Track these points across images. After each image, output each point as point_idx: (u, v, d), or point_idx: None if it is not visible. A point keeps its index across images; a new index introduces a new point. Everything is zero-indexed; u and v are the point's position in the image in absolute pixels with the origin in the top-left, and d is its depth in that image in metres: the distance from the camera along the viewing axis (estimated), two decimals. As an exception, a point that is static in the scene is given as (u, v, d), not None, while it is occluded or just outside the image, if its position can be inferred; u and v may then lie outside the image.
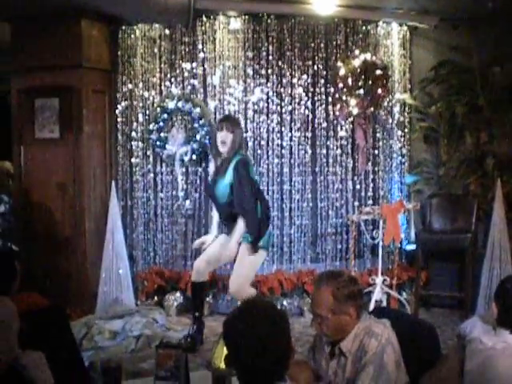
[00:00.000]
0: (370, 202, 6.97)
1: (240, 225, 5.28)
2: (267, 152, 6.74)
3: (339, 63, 6.72)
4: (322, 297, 2.96)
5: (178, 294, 6.64)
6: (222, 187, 5.38)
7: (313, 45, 6.78)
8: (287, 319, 2.45)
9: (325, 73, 6.81)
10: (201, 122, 6.63)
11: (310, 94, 6.79)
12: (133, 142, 6.88)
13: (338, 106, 6.75)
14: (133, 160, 6.90)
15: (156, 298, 6.71)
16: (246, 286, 5.45)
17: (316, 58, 6.79)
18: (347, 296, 2.94)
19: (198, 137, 6.64)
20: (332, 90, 6.78)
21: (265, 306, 2.47)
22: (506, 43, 6.67)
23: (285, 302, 6.54)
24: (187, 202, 6.81)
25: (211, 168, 5.78)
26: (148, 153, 6.88)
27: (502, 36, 6.67)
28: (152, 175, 6.88)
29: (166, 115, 6.71)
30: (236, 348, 2.34)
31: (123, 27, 6.82)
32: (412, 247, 6.97)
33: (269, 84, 6.74)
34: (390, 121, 7.07)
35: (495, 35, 6.67)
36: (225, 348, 2.42)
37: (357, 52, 6.75)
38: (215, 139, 5.48)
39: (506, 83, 6.79)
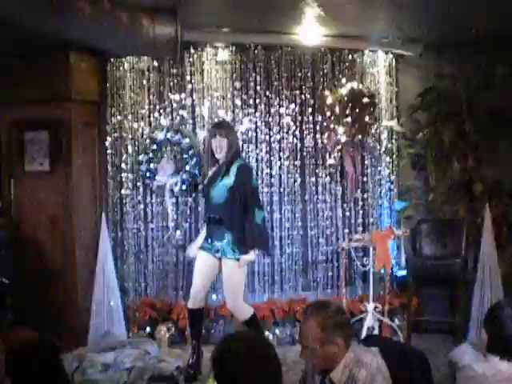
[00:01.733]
0: (360, 228, 7.00)
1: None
2: (256, 181, 6.75)
3: (326, 92, 6.79)
4: (309, 328, 2.98)
5: (169, 325, 6.59)
6: (221, 188, 5.44)
7: (300, 74, 6.85)
8: (272, 348, 2.46)
9: (312, 102, 6.87)
10: (190, 152, 6.66)
11: (298, 123, 6.85)
12: (123, 174, 6.89)
13: (326, 135, 6.80)
14: (123, 191, 6.91)
15: (148, 329, 6.68)
16: (243, 301, 5.63)
17: (303, 87, 6.85)
18: (334, 326, 2.96)
19: (187, 167, 6.67)
20: (320, 118, 6.84)
21: (248, 337, 2.49)
22: (490, 68, 6.74)
23: (277, 331, 6.53)
24: (178, 232, 6.81)
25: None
26: (138, 184, 6.89)
27: (487, 61, 6.76)
28: (142, 206, 6.89)
29: (155, 146, 6.74)
30: (224, 381, 2.35)
31: (112, 60, 6.86)
32: (403, 273, 6.98)
33: (257, 114, 6.80)
34: (378, 148, 7.13)
35: (480, 61, 6.76)
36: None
37: (343, 81, 6.83)
38: (210, 148, 5.51)
39: (491, 108, 6.86)
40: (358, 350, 3.04)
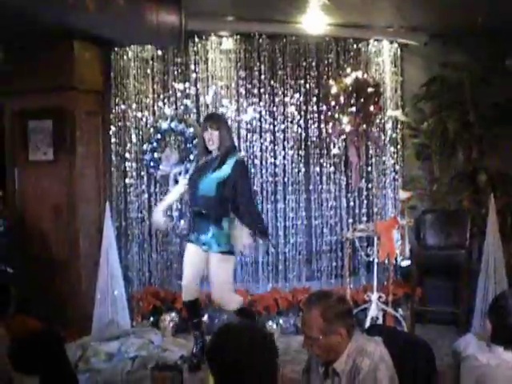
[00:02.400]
0: (365, 218, 6.99)
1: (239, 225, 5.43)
2: (261, 171, 6.77)
3: (331, 82, 6.76)
4: (311, 318, 2.97)
5: (173, 314, 6.60)
6: (212, 180, 5.40)
7: (304, 64, 6.83)
8: (266, 335, 2.45)
9: (317, 91, 6.86)
10: (194, 142, 6.65)
11: (302, 113, 6.84)
12: (126, 163, 6.90)
13: (331, 124, 6.78)
14: (127, 181, 6.91)
15: (152, 318, 6.68)
16: (231, 292, 5.64)
17: (308, 76, 6.84)
18: (337, 316, 2.95)
19: (191, 157, 6.66)
20: (324, 108, 6.82)
21: (242, 327, 2.49)
22: (496, 59, 6.71)
23: (281, 321, 6.52)
24: (182, 221, 6.82)
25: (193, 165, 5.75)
26: (142, 173, 6.90)
27: (492, 51, 6.72)
28: (146, 196, 6.89)
29: (159, 136, 6.74)
30: (221, 374, 2.34)
31: (116, 49, 6.86)
32: (407, 263, 6.97)
33: (261, 103, 6.78)
34: (383, 138, 7.10)
35: (485, 51, 6.72)
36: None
37: (348, 70, 6.79)
38: (202, 140, 5.50)
39: (496, 99, 6.83)
40: (361, 340, 3.04)
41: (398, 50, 7.20)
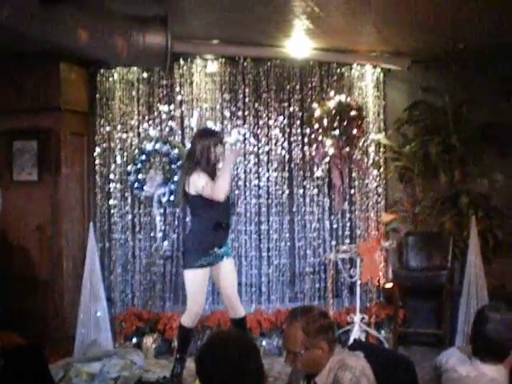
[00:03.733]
0: (348, 241, 7.03)
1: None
2: (245, 192, 6.82)
3: (314, 105, 6.84)
4: (293, 332, 2.99)
5: (156, 335, 6.59)
6: (230, 194, 5.59)
7: (288, 87, 6.91)
8: (256, 346, 2.49)
9: (300, 114, 6.94)
10: (178, 163, 6.67)
11: (286, 135, 6.90)
12: (111, 184, 6.92)
13: (314, 147, 6.85)
14: (111, 202, 6.93)
15: (134, 339, 6.66)
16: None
17: (292, 99, 6.91)
18: (318, 330, 2.97)
19: (175, 178, 6.68)
20: (308, 130, 6.90)
21: (233, 335, 2.52)
22: (476, 83, 6.82)
23: (264, 342, 6.52)
24: (165, 243, 6.82)
25: (204, 179, 5.38)
26: (126, 194, 6.92)
27: (473, 76, 6.84)
28: (130, 216, 6.91)
29: (144, 157, 6.77)
30: (209, 380, 2.36)
31: (101, 70, 6.92)
32: (390, 285, 7.01)
33: (246, 125, 6.85)
34: (366, 161, 7.17)
35: (466, 75, 6.84)
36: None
37: (332, 94, 6.88)
38: (209, 154, 5.39)
39: (477, 122, 6.93)
40: (342, 354, 3.06)
41: (381, 74, 7.31)
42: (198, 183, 5.34)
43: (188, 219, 6.72)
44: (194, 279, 5.48)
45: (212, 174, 5.41)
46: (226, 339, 2.46)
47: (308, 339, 2.96)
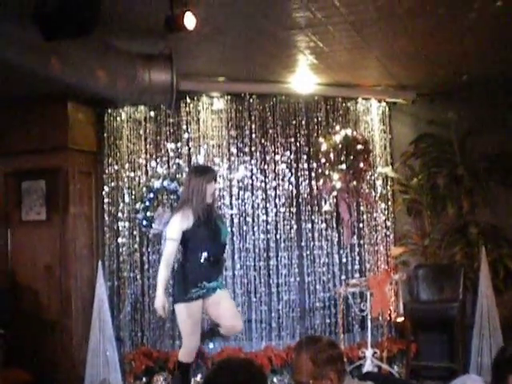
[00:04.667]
0: (357, 275, 6.99)
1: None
2: (253, 228, 6.82)
3: (321, 139, 6.88)
4: (301, 363, 2.95)
5: (166, 374, 6.54)
6: (225, 229, 5.64)
7: (294, 122, 6.95)
8: (264, 373, 2.47)
9: (307, 149, 6.96)
10: (187, 200, 6.70)
11: (293, 170, 6.93)
12: (119, 222, 6.94)
13: (322, 181, 6.87)
14: (119, 240, 6.94)
15: (144, 379, 6.61)
16: None
17: (298, 134, 6.95)
18: (327, 360, 2.93)
19: (184, 215, 6.69)
20: (315, 165, 6.93)
21: (242, 362, 2.50)
22: (481, 114, 6.84)
23: (275, 379, 6.45)
24: (174, 280, 6.79)
25: (181, 226, 5.30)
26: (134, 232, 6.93)
27: (478, 107, 6.86)
28: (138, 255, 6.91)
29: (151, 195, 6.80)
30: None
31: (109, 110, 7.00)
32: (401, 319, 6.94)
33: (252, 161, 6.88)
34: (373, 194, 7.16)
35: (471, 107, 6.86)
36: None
37: (337, 128, 6.92)
38: (203, 192, 5.32)
39: (483, 153, 6.94)
40: (352, 384, 3.02)
41: (387, 108, 7.33)
42: (173, 226, 5.35)
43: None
44: (186, 313, 5.38)
45: (205, 212, 5.33)
46: (234, 365, 2.44)
47: (316, 369, 2.91)
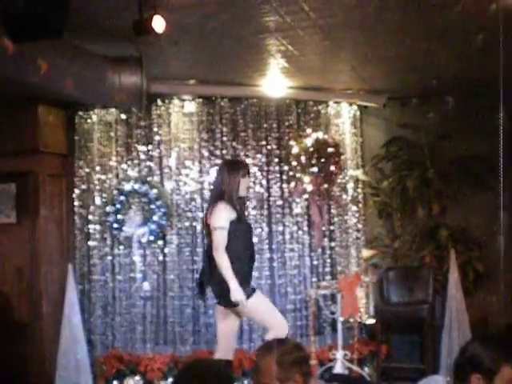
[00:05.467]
0: (329, 277, 7.02)
1: None
2: (224, 231, 6.80)
3: (292, 142, 6.90)
4: (266, 365, 2.95)
5: (137, 377, 6.53)
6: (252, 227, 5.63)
7: (266, 125, 6.96)
8: (232, 375, 2.49)
9: (278, 152, 6.98)
10: (157, 203, 6.70)
11: (264, 173, 6.94)
12: (90, 225, 6.91)
13: (293, 184, 6.89)
14: (90, 243, 6.91)
15: (115, 382, 6.58)
16: None
17: (269, 137, 6.97)
18: (292, 363, 2.94)
19: (155, 218, 6.70)
20: (286, 168, 6.95)
21: (210, 364, 2.52)
22: (451, 118, 6.91)
23: (246, 382, 6.46)
24: (145, 283, 6.79)
25: (228, 215, 5.18)
26: (105, 235, 6.90)
27: (448, 111, 6.93)
28: (110, 258, 6.88)
29: (122, 197, 6.77)
30: None
31: (80, 113, 6.96)
32: (372, 321, 6.98)
33: (224, 164, 6.87)
34: (345, 197, 7.20)
35: (441, 111, 6.93)
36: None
37: (309, 131, 6.94)
38: (237, 187, 5.26)
39: (453, 156, 7.01)
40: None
41: (358, 111, 7.37)
42: (220, 214, 5.17)
43: (167, 259, 6.73)
44: (257, 302, 5.27)
45: (239, 206, 5.29)
46: (202, 366, 2.45)
47: (282, 372, 2.93)
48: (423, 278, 6.84)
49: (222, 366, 2.55)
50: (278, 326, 5.27)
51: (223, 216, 5.16)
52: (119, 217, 6.77)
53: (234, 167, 5.39)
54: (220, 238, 5.13)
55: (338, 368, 6.33)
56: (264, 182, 6.93)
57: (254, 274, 6.73)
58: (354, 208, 7.26)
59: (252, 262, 5.41)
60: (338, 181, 7.09)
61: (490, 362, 2.73)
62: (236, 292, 5.03)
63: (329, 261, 7.10)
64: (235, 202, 5.23)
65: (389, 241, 7.23)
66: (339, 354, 6.39)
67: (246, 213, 6.53)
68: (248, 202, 6.84)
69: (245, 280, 5.18)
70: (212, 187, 5.76)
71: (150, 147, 6.88)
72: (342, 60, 6.08)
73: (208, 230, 5.31)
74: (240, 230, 5.23)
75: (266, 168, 6.95)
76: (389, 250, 7.24)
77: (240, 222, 5.26)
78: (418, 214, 7.05)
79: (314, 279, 6.98)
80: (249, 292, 5.18)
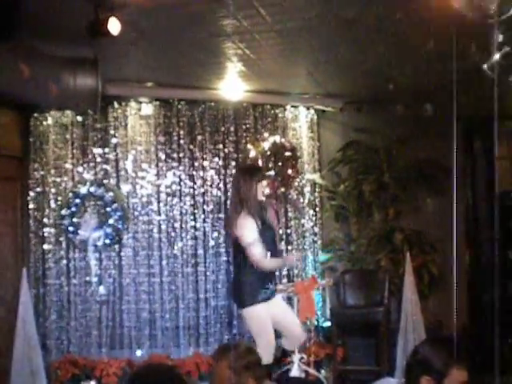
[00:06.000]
0: (285, 280, 7.04)
1: None
2: (181, 234, 6.81)
3: (249, 146, 6.92)
4: (219, 370, 2.97)
5: (92, 382, 6.46)
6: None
7: (223, 129, 6.98)
8: (184, 381, 2.47)
9: (235, 155, 7.00)
10: (113, 206, 6.67)
11: (221, 176, 6.95)
12: (45, 229, 6.83)
13: (250, 188, 6.88)
14: (45, 246, 6.83)
15: (70, 387, 6.53)
16: None
17: (226, 141, 6.98)
18: (245, 367, 2.95)
19: (110, 221, 6.65)
20: (243, 171, 6.93)
21: (163, 368, 2.50)
22: (407, 122, 6.99)
23: (203, 386, 6.46)
24: (101, 287, 6.74)
25: (253, 225, 5.26)
26: (61, 239, 6.83)
27: (404, 116, 7.00)
28: (65, 261, 6.82)
29: (78, 200, 6.72)
30: None
31: (35, 114, 6.88)
32: (328, 324, 7.03)
33: (181, 167, 6.88)
34: (301, 200, 7.23)
35: (397, 115, 6.99)
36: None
37: (266, 135, 6.98)
38: (254, 191, 5.31)
39: (409, 160, 7.09)
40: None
41: (315, 115, 7.41)
42: (249, 227, 5.25)
43: (123, 263, 6.69)
44: (258, 315, 5.34)
45: (258, 213, 5.34)
46: (155, 371, 2.44)
47: (235, 377, 2.94)
48: (379, 281, 6.90)
49: (175, 371, 2.53)
50: (260, 349, 5.10)
51: (251, 228, 5.24)
52: (75, 220, 6.71)
53: (248, 174, 5.43)
54: (258, 251, 5.24)
55: (295, 371, 6.33)
56: (221, 185, 6.93)
57: (211, 277, 6.81)
58: (311, 212, 7.29)
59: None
60: (295, 184, 7.13)
61: (440, 364, 2.76)
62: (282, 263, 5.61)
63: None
64: (254, 210, 5.30)
65: (345, 244, 7.28)
66: (296, 357, 6.39)
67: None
68: (205, 206, 6.86)
69: (262, 285, 5.28)
70: (231, 197, 5.77)
71: (106, 150, 6.84)
72: (298, 64, 6.11)
73: (233, 240, 5.39)
74: (264, 236, 5.30)
75: (223, 171, 6.95)
76: (345, 253, 7.29)
77: (261, 227, 5.32)
78: (374, 217, 7.12)
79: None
80: (259, 298, 5.25)
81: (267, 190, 5.47)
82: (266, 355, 5.30)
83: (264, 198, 5.44)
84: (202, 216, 6.86)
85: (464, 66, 3.82)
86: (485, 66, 4.26)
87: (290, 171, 6.91)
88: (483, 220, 7.65)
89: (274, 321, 5.45)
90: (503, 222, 7.59)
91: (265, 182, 5.46)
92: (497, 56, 4.21)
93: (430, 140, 7.02)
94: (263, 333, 5.39)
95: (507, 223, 7.65)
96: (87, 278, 6.78)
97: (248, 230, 5.23)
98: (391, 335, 6.57)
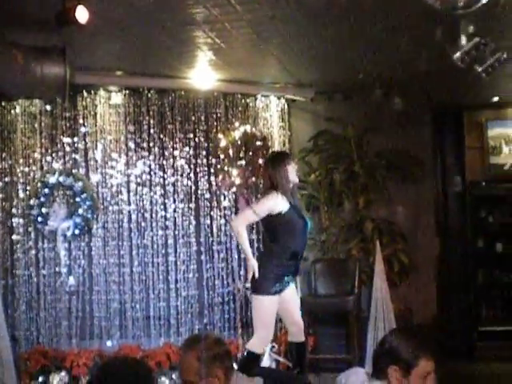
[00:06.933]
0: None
1: None
2: (151, 224, 6.78)
3: (220, 135, 6.89)
4: (187, 361, 2.93)
5: (62, 373, 6.42)
6: (307, 220, 5.41)
7: (193, 118, 6.94)
8: (151, 374, 2.46)
9: (206, 145, 6.97)
10: (83, 196, 6.61)
11: (192, 166, 6.92)
12: (13, 219, 6.76)
13: (220, 177, 6.88)
14: (13, 237, 6.76)
15: (40, 378, 6.46)
16: None
17: (197, 130, 6.94)
18: (213, 358, 2.93)
19: (80, 211, 6.60)
20: (214, 161, 6.93)
21: (129, 362, 2.48)
22: (378, 112, 7.01)
23: (174, 376, 6.42)
24: (71, 278, 6.69)
25: (275, 206, 5.15)
26: (29, 229, 6.77)
27: (374, 105, 7.02)
28: (34, 252, 6.75)
29: (47, 190, 6.65)
30: None
31: (3, 103, 6.79)
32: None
33: (151, 157, 6.84)
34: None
35: (368, 105, 7.01)
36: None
37: (237, 124, 6.95)
38: (285, 174, 5.22)
39: (379, 150, 7.12)
40: (239, 382, 3.04)
41: (286, 105, 7.40)
42: (266, 202, 5.17)
43: (93, 253, 6.64)
44: (268, 305, 5.25)
45: (291, 193, 5.27)
46: (122, 365, 2.42)
47: (203, 368, 2.92)
48: (349, 269, 6.94)
49: (142, 365, 2.51)
50: (259, 339, 5.33)
51: (267, 205, 5.16)
52: (43, 210, 6.65)
53: (275, 159, 5.38)
54: (248, 216, 5.24)
55: (266, 360, 6.34)
56: (192, 175, 6.90)
57: (181, 267, 6.79)
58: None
59: (294, 259, 5.30)
60: (266, 174, 7.10)
61: (408, 354, 2.77)
62: (251, 261, 5.25)
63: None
64: (288, 192, 5.22)
65: (316, 233, 7.29)
66: (267, 347, 6.40)
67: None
68: (175, 195, 6.83)
69: (279, 277, 5.20)
70: (264, 183, 5.64)
71: (75, 139, 6.78)
72: (269, 54, 6.10)
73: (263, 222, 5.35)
74: (292, 223, 5.21)
75: (193, 161, 6.93)
76: (316, 243, 7.31)
77: (293, 214, 5.23)
78: (345, 206, 7.15)
79: (242, 272, 6.98)
80: (274, 289, 5.17)
81: (296, 173, 5.43)
82: (259, 346, 5.36)
83: (297, 179, 5.42)
84: (173, 206, 6.83)
85: (434, 57, 3.85)
86: (454, 57, 4.29)
87: (260, 161, 6.88)
88: (453, 210, 7.72)
89: (281, 306, 5.41)
90: (473, 211, 7.68)
91: (293, 164, 5.39)
92: (465, 46, 4.24)
93: (401, 130, 7.06)
94: (265, 325, 5.34)
95: (477, 213, 7.74)
96: (56, 269, 6.72)
97: (263, 204, 5.19)
98: (362, 324, 6.61)
